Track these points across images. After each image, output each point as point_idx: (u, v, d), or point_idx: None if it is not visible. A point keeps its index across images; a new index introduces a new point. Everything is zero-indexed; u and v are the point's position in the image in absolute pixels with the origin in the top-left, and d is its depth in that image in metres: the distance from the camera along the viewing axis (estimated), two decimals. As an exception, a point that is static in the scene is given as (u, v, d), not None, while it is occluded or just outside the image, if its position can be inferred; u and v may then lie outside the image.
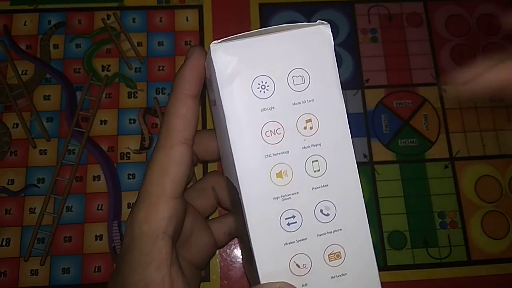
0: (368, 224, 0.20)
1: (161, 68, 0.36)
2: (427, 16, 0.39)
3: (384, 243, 0.33)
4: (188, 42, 0.37)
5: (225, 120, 0.19)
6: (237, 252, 0.33)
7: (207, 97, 0.36)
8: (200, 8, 0.38)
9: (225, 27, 0.38)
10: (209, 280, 0.32)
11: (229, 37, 0.19)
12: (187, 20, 0.38)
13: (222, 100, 0.19)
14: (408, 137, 0.36)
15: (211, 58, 0.19)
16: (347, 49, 0.38)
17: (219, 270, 0.32)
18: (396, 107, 0.37)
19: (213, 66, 0.19)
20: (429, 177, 0.35)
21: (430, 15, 0.39)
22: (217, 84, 0.19)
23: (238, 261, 0.33)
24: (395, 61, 0.38)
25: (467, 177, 0.35)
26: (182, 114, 0.22)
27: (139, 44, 0.37)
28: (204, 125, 0.35)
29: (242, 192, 0.19)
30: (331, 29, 0.20)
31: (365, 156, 0.35)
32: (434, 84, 0.37)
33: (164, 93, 0.36)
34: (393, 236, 0.34)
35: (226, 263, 0.32)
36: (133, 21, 0.38)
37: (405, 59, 0.38)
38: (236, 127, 0.19)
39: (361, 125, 0.36)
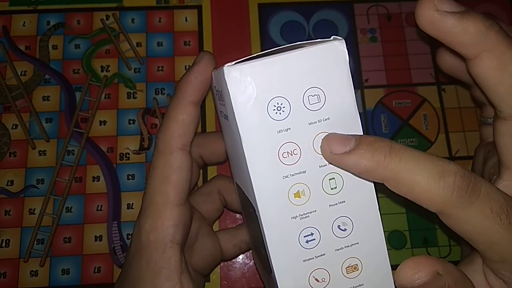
0: (384, 235, 0.20)
1: (160, 68, 0.36)
2: (426, 16, 0.39)
3: (384, 243, 0.33)
4: (187, 43, 0.37)
5: (241, 143, 0.19)
6: (237, 252, 0.33)
7: (207, 100, 0.36)
8: (199, 8, 0.38)
9: (224, 27, 0.38)
10: (209, 281, 0.32)
11: (242, 58, 0.19)
12: (186, 20, 0.38)
13: (238, 123, 0.19)
14: (408, 136, 0.36)
15: (226, 80, 0.19)
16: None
17: (219, 270, 0.32)
18: (396, 107, 0.37)
19: (228, 89, 0.19)
20: (429, 176, 0.35)
21: (429, 14, 0.39)
22: (231, 106, 0.19)
23: (238, 262, 0.33)
24: (394, 61, 0.38)
25: (466, 176, 0.35)
26: (182, 120, 0.22)
27: (138, 44, 0.37)
28: (203, 128, 0.35)
29: (261, 213, 0.19)
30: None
31: (364, 156, 0.35)
32: (434, 84, 0.37)
33: (164, 94, 0.36)
34: (393, 235, 0.34)
35: (226, 263, 0.32)
36: (132, 22, 0.38)
37: (405, 58, 0.38)
38: (253, 150, 0.19)
39: (360, 125, 0.36)
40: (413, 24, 0.39)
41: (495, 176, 0.20)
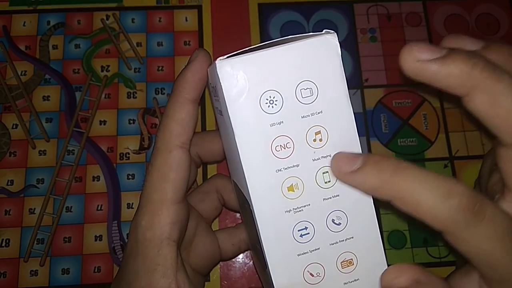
0: (379, 230, 0.20)
1: (160, 68, 0.36)
2: (426, 16, 0.39)
3: (384, 243, 0.33)
4: (187, 42, 0.37)
5: (234, 137, 0.19)
6: (237, 252, 0.33)
7: (206, 98, 0.36)
8: (199, 8, 0.38)
9: (224, 27, 0.38)
10: (209, 280, 0.32)
11: (234, 52, 0.19)
12: (186, 20, 0.38)
13: (230, 117, 0.19)
14: (408, 136, 0.36)
15: (218, 74, 0.19)
16: (346, 49, 0.38)
17: (219, 270, 0.32)
18: (396, 106, 0.37)
19: (220, 83, 0.19)
20: (429, 176, 0.35)
21: (429, 14, 0.39)
22: (224, 100, 0.19)
23: (238, 261, 0.33)
24: (394, 61, 0.38)
25: (466, 176, 0.35)
26: (180, 118, 0.22)
27: (138, 44, 0.37)
28: (203, 127, 0.35)
29: (254, 207, 0.19)
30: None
31: (364, 155, 0.35)
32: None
33: (164, 93, 0.36)
34: (393, 235, 0.34)
35: (226, 263, 0.32)
36: (132, 22, 0.38)
37: (404, 58, 0.38)
38: (246, 144, 0.19)
39: (360, 124, 0.36)
40: (413, 24, 0.39)
41: (497, 195, 0.20)
